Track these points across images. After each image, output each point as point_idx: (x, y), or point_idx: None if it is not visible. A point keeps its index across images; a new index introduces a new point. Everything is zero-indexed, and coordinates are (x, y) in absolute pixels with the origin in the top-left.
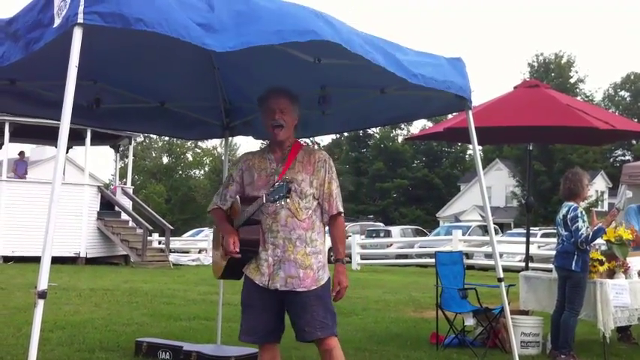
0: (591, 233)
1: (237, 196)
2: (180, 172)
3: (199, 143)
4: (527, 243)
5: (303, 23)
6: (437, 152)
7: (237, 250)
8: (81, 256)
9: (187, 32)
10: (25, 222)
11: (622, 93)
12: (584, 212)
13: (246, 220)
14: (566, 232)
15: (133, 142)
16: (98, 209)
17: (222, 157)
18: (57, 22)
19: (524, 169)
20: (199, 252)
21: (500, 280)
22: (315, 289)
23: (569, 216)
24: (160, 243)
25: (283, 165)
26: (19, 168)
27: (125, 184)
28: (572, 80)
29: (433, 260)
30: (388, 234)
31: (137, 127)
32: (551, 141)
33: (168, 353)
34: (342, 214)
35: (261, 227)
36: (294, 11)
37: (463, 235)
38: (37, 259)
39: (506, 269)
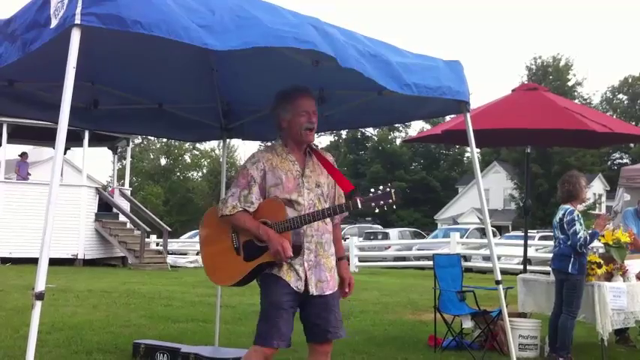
0: (588, 237)
1: (280, 200)
2: (178, 173)
3: (197, 145)
4: (525, 246)
5: (303, 33)
6: (435, 155)
7: (292, 254)
8: (79, 257)
9: (187, 33)
10: (23, 223)
11: (620, 96)
12: (580, 215)
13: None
14: (563, 234)
15: (130, 143)
16: (96, 211)
17: (221, 159)
18: (54, 22)
19: (522, 171)
20: (197, 254)
21: (498, 282)
22: (337, 290)
23: (565, 219)
24: (157, 245)
25: (306, 166)
26: (22, 169)
27: (123, 185)
28: (570, 83)
29: (431, 263)
30: (386, 236)
31: (135, 128)
32: (550, 144)
33: (165, 355)
34: None
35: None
36: (294, 22)
37: (461, 237)
38: (34, 261)
39: (504, 272)
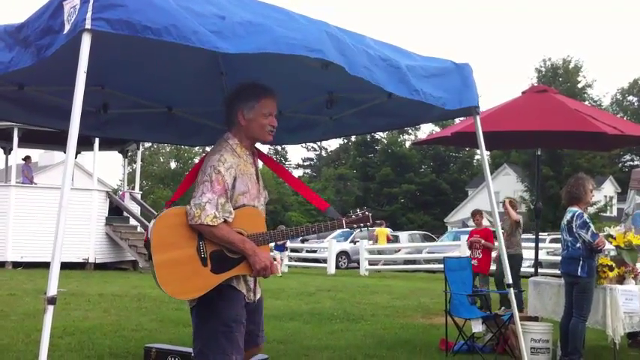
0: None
1: (258, 209)
2: None
3: (207, 149)
4: (537, 248)
5: (313, 40)
6: (444, 157)
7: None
8: (89, 261)
9: (197, 38)
10: (34, 227)
11: (630, 98)
12: (590, 217)
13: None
14: (571, 237)
15: (141, 147)
16: (107, 214)
17: None
18: (67, 28)
19: (532, 174)
20: None
21: (509, 285)
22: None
23: (575, 223)
24: None
25: (257, 169)
26: (27, 172)
27: (133, 189)
28: (579, 85)
29: (442, 266)
30: (396, 239)
31: (144, 135)
32: (560, 146)
33: (177, 359)
34: None
35: None
36: (305, 27)
37: None
38: (45, 265)
39: None
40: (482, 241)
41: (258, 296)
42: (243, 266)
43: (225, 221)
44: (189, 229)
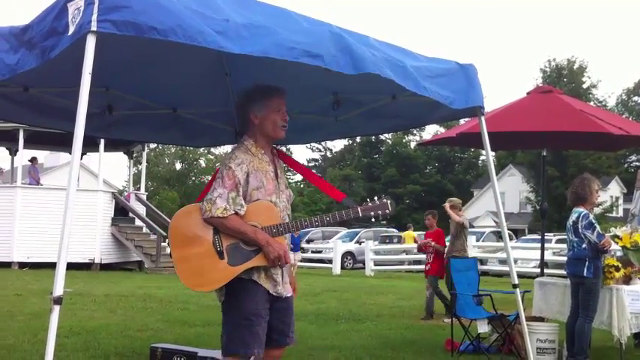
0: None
1: (272, 203)
2: (194, 178)
3: (212, 149)
4: (542, 249)
5: (315, 44)
6: (450, 158)
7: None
8: (95, 262)
9: (203, 37)
10: (40, 228)
11: (635, 98)
12: (595, 219)
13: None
14: (577, 238)
15: (146, 148)
16: (112, 215)
17: None
18: (71, 29)
19: (538, 174)
20: None
21: (515, 286)
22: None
23: (581, 223)
24: None
25: (277, 167)
26: (34, 173)
27: (139, 190)
28: (584, 86)
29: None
30: (401, 240)
31: (149, 136)
32: (565, 147)
33: (183, 359)
34: None
35: None
36: (307, 30)
37: (477, 241)
38: (52, 265)
39: (520, 275)
40: (433, 243)
41: (289, 293)
42: (259, 258)
43: (237, 214)
44: (205, 224)
